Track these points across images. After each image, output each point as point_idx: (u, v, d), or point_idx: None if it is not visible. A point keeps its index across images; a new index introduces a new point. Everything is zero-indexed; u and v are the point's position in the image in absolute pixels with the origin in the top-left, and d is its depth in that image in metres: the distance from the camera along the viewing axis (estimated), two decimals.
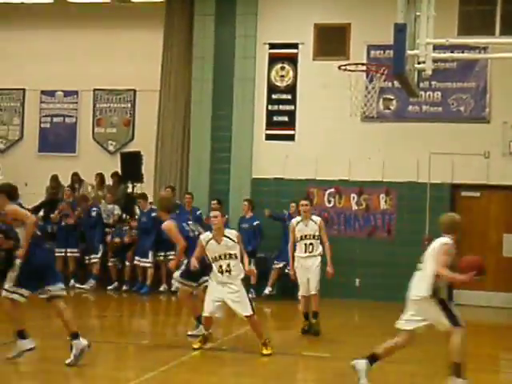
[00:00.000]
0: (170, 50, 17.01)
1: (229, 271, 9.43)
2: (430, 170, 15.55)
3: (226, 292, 9.50)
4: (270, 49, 16.56)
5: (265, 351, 9.57)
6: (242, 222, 15.66)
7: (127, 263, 15.77)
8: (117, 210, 16.28)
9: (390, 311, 14.34)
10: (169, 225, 10.23)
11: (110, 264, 16.01)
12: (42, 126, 18.20)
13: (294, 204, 15.33)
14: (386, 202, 15.99)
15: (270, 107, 16.58)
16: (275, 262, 15.45)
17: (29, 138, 18.19)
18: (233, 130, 16.52)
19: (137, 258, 15.61)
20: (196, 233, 10.39)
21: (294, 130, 16.41)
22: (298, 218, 11.46)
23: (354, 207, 16.10)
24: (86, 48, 17.54)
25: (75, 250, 16.17)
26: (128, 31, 17.37)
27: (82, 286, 15.94)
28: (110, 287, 15.88)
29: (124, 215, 16.32)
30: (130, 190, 16.52)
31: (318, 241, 11.25)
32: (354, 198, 16.12)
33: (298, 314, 12.73)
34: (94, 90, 17.83)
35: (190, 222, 10.59)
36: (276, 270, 15.46)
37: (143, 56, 17.11)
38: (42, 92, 18.10)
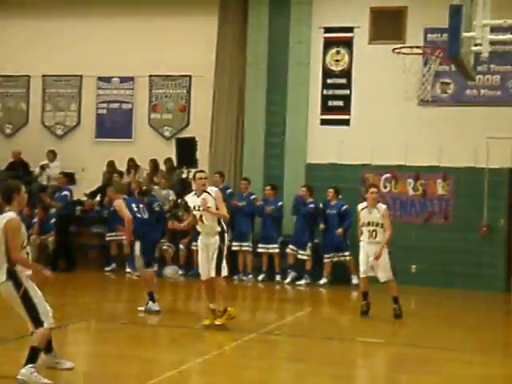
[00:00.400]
0: (224, 35, 16.99)
1: (202, 221, 10.16)
2: (489, 154, 15.28)
3: (207, 252, 10.12)
4: (325, 33, 16.42)
5: (217, 321, 9.94)
6: (302, 206, 15.52)
7: (181, 247, 15.83)
8: (172, 196, 16.36)
9: (446, 297, 14.33)
10: (117, 202, 11.52)
11: (164, 248, 16.09)
12: (99, 112, 18.38)
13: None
14: (442, 187, 15.76)
15: (324, 92, 16.46)
16: (325, 255, 15.35)
17: (86, 124, 18.39)
18: (287, 115, 16.44)
19: (194, 243, 15.64)
20: (145, 216, 11.53)
21: (349, 114, 16.27)
22: (364, 204, 11.50)
23: (411, 192, 15.92)
24: (142, 35, 17.59)
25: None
26: (183, 18, 17.41)
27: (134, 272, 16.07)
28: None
29: (179, 200, 16.37)
30: (184, 175, 16.59)
31: (382, 229, 11.24)
32: (410, 183, 15.93)
33: (352, 299, 12.69)
34: (150, 76, 17.92)
35: (141, 206, 11.62)
36: (328, 263, 15.37)
37: (198, 42, 17.13)
38: (99, 78, 18.26)
